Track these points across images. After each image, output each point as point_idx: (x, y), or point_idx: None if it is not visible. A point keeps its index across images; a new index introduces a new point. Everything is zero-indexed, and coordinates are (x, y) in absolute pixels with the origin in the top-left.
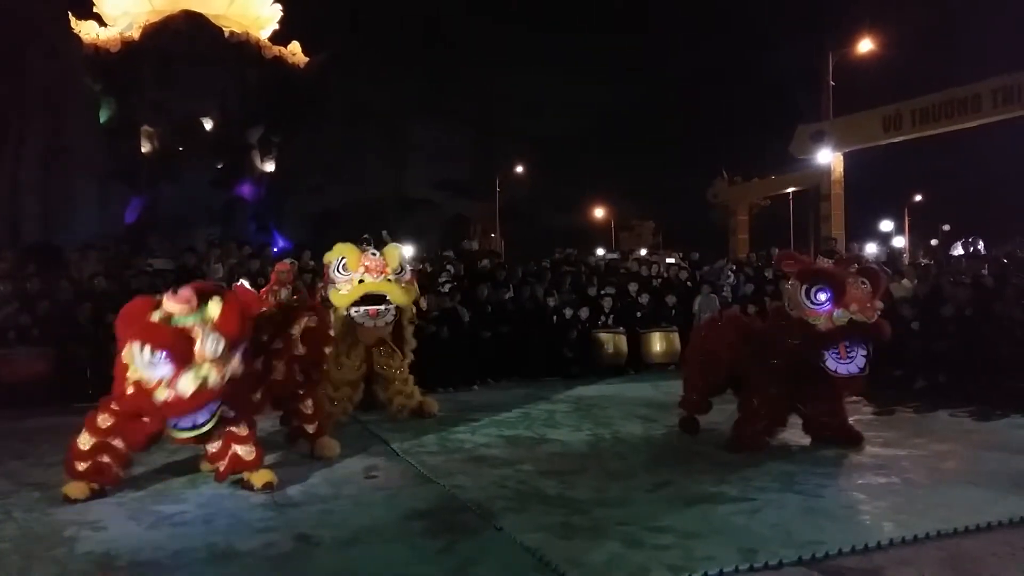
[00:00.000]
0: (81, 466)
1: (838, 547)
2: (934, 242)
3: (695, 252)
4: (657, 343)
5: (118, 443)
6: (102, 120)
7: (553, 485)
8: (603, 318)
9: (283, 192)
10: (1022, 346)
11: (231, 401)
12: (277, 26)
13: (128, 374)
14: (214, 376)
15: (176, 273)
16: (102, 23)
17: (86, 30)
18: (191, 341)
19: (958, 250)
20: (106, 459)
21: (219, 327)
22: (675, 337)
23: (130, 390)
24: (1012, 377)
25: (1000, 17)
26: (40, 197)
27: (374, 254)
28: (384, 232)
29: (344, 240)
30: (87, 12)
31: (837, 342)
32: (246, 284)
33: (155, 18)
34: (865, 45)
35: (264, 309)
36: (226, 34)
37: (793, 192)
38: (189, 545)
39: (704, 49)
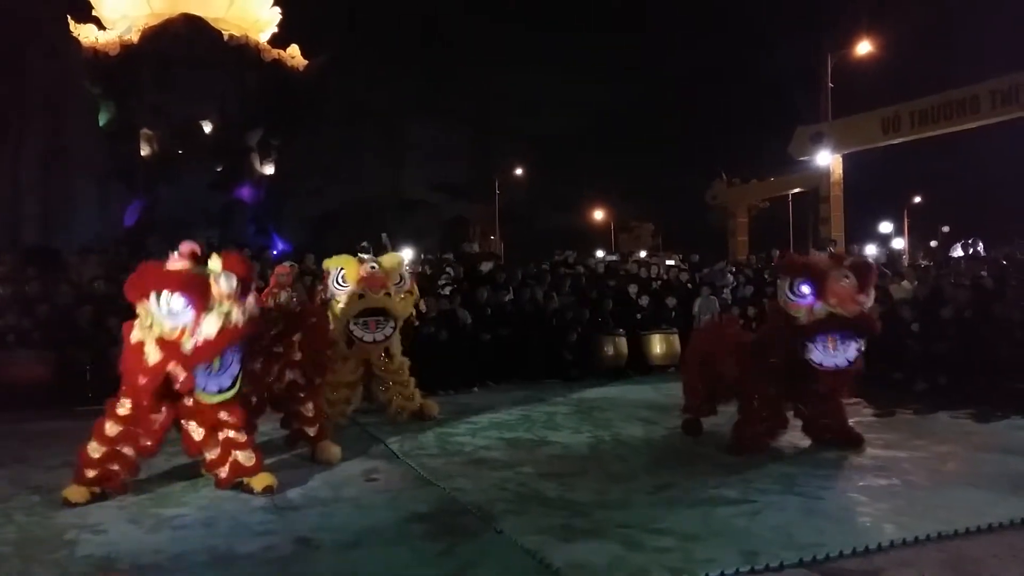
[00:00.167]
0: (91, 473)
1: (839, 549)
2: (933, 244)
3: (695, 254)
4: (657, 345)
5: (127, 450)
6: (102, 123)
7: (553, 487)
8: (602, 319)
9: (282, 194)
10: (1022, 347)
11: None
12: (276, 29)
13: (147, 345)
14: (235, 312)
15: None
16: (101, 27)
17: (85, 33)
18: (206, 282)
19: (958, 252)
20: (115, 466)
21: (227, 267)
22: (675, 339)
23: (154, 357)
24: (1012, 378)
25: (999, 18)
26: (40, 197)
27: (373, 267)
28: (384, 235)
29: (343, 243)
30: (86, 16)
31: (815, 335)
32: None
33: (154, 21)
34: (864, 47)
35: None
36: (225, 37)
37: (793, 194)
38: (189, 548)
39: (702, 49)
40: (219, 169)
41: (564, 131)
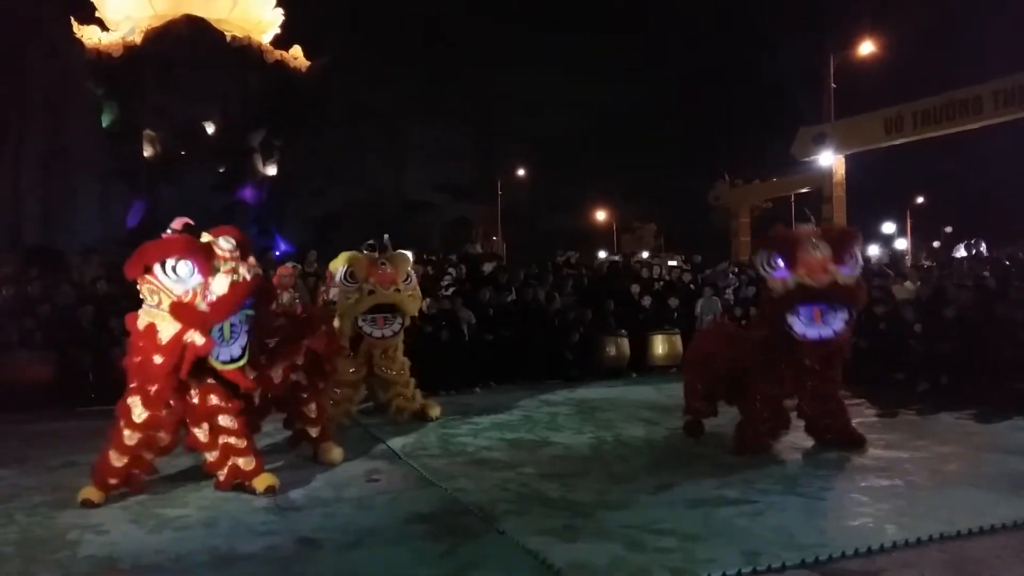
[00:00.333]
0: (114, 481)
1: (840, 549)
2: (936, 244)
3: (697, 255)
4: (659, 346)
5: (147, 454)
6: (104, 124)
7: (555, 488)
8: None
9: (285, 195)
10: None
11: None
12: (279, 30)
13: (159, 323)
14: (242, 268)
15: None
16: (104, 28)
17: (88, 35)
18: (207, 245)
19: (960, 252)
20: (137, 471)
21: (221, 233)
22: (677, 340)
23: (169, 331)
24: (1014, 379)
25: (1001, 18)
26: (40, 197)
27: (383, 264)
28: (385, 236)
29: (346, 243)
30: (89, 17)
31: (795, 307)
32: None
33: (157, 23)
34: (866, 47)
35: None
36: (228, 38)
37: (796, 195)
38: (191, 548)
39: (705, 50)
40: (221, 170)
41: (567, 132)
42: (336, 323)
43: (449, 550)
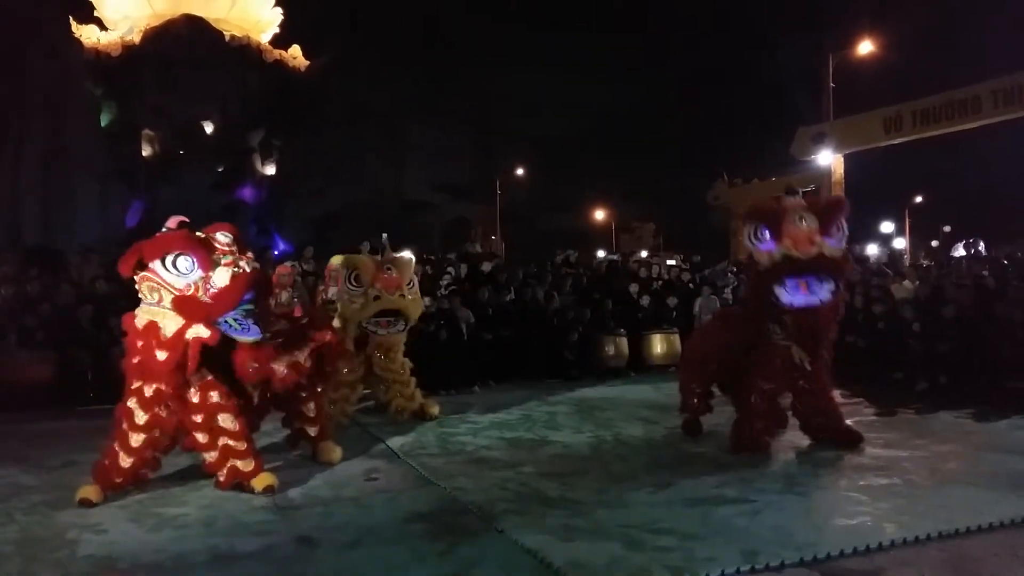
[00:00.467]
0: (120, 480)
1: (839, 548)
2: (935, 243)
3: (696, 254)
4: (658, 345)
5: (152, 453)
6: (103, 124)
7: (554, 487)
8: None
9: (284, 195)
10: (1023, 347)
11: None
12: (278, 30)
13: (161, 320)
14: (242, 261)
15: None
16: (103, 27)
17: (87, 34)
18: (206, 240)
19: (959, 251)
20: (143, 470)
21: (217, 229)
22: (676, 339)
23: (172, 327)
24: (1013, 378)
25: (1000, 17)
26: (40, 197)
27: (389, 269)
28: (384, 236)
29: (345, 243)
30: (88, 16)
31: (782, 278)
32: None
33: (156, 22)
34: (865, 47)
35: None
36: (227, 38)
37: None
38: (190, 548)
39: (704, 49)
40: (220, 170)
41: (566, 132)
42: (336, 323)
43: (448, 549)
